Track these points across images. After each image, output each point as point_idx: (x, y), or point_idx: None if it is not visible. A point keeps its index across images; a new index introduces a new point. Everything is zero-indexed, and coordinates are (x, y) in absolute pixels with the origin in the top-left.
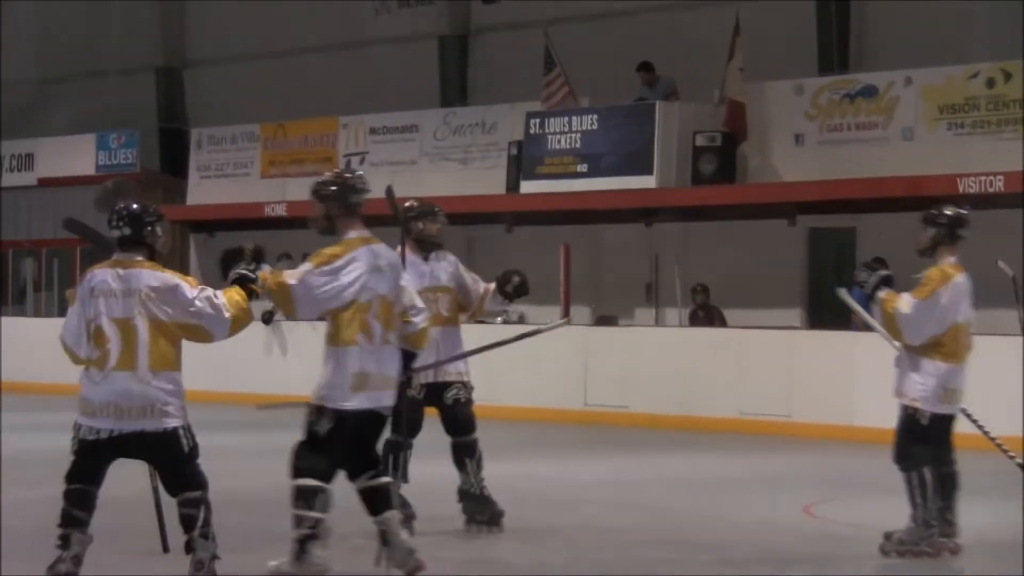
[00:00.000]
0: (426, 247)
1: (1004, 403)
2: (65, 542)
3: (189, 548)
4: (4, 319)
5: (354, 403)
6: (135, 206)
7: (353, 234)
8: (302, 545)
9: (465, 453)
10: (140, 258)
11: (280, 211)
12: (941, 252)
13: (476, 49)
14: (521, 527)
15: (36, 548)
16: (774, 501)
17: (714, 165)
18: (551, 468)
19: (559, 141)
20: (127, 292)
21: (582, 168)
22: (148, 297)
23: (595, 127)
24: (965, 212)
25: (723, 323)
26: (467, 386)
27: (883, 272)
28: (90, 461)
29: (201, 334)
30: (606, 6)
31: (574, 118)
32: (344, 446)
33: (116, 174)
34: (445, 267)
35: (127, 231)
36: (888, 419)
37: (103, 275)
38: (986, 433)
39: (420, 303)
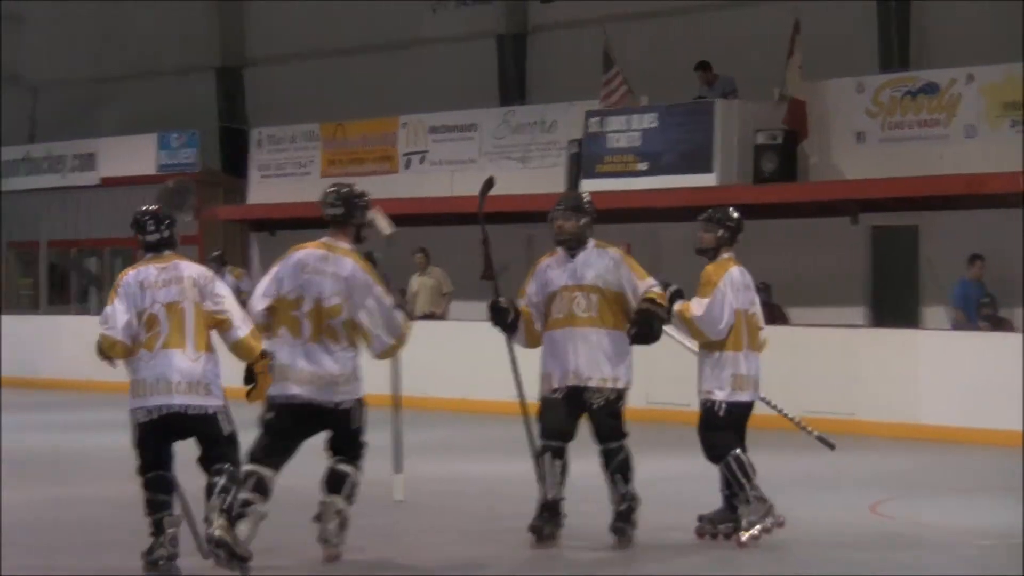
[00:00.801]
0: (564, 244)
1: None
2: (158, 527)
3: (207, 519)
4: (67, 317)
5: (277, 391)
6: (162, 211)
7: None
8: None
9: (603, 462)
10: (171, 253)
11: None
12: (722, 252)
13: (534, 48)
14: (582, 525)
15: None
16: (838, 500)
17: (775, 163)
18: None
19: (618, 140)
20: (175, 280)
21: (642, 166)
22: (194, 283)
23: (655, 125)
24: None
25: (785, 321)
26: (603, 391)
27: (673, 287)
28: (151, 446)
29: (226, 325)
30: (665, 4)
31: (633, 116)
32: (287, 432)
33: (177, 174)
34: (595, 265)
35: (166, 234)
36: (954, 417)
37: (147, 271)
38: (782, 413)
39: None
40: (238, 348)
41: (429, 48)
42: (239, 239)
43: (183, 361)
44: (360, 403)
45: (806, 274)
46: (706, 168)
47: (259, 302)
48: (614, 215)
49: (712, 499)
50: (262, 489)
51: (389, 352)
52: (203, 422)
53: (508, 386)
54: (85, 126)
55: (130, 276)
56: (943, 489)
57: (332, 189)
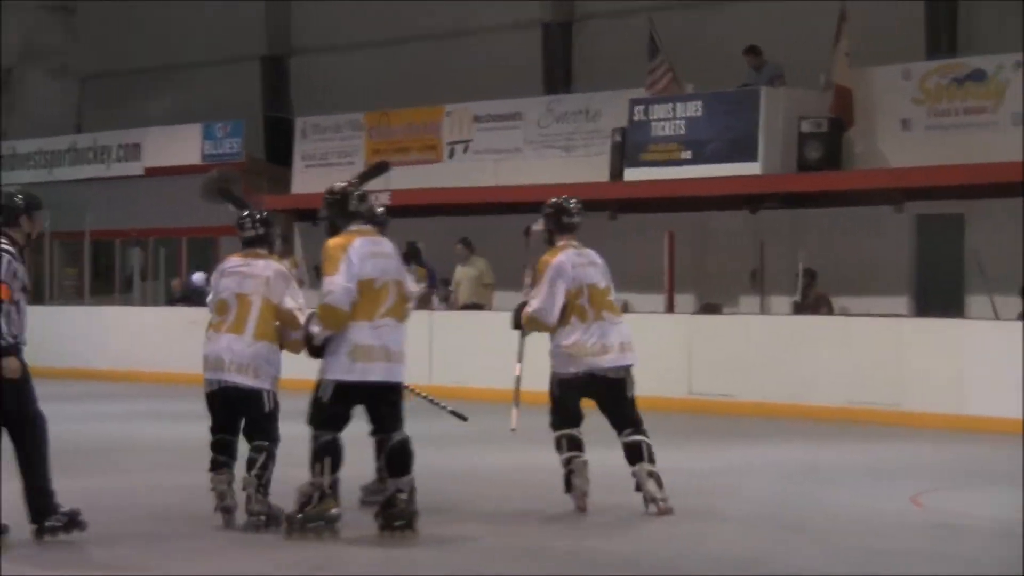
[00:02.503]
0: None
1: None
2: (216, 483)
3: (246, 491)
4: (111, 308)
5: (577, 368)
6: (265, 214)
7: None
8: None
9: None
10: (263, 252)
11: (384, 200)
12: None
13: (580, 36)
14: (623, 516)
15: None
16: (882, 491)
17: (820, 151)
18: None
19: (663, 128)
20: (252, 275)
21: (686, 155)
22: (268, 281)
23: (700, 113)
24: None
25: (829, 311)
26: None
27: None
28: (215, 413)
29: (294, 323)
30: None
31: (678, 104)
32: (577, 400)
33: (222, 164)
34: None
35: (261, 231)
36: (999, 408)
37: (235, 261)
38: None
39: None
40: (290, 347)
41: (474, 37)
42: (283, 229)
43: (238, 344)
44: (630, 370)
45: (851, 263)
46: (751, 156)
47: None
48: (658, 204)
49: (755, 490)
50: (577, 446)
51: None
52: (249, 398)
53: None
54: (130, 116)
55: (220, 265)
56: (986, 480)
57: (577, 204)
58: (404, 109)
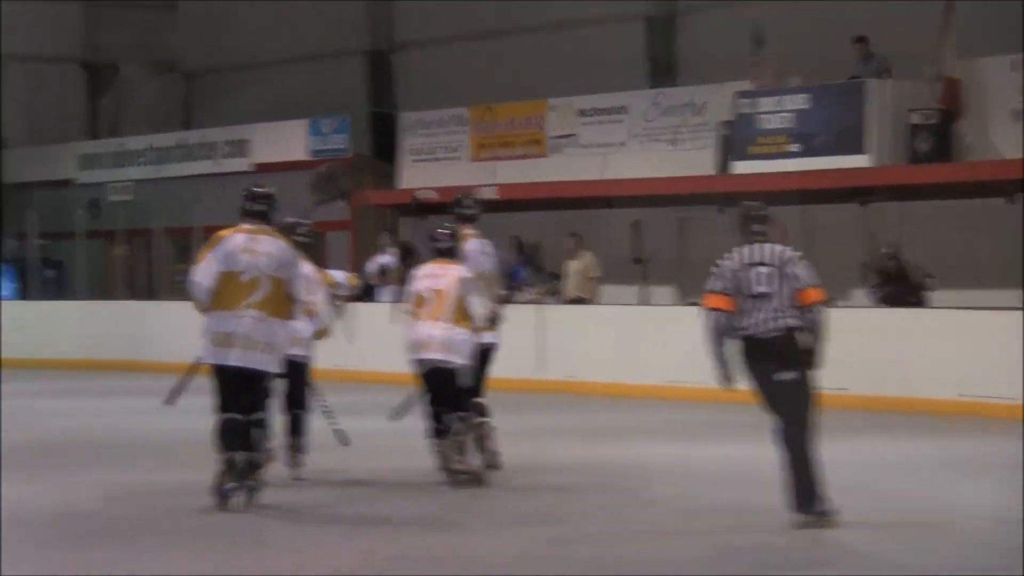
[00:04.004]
0: None
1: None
2: (443, 447)
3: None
4: None
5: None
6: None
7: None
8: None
9: None
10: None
11: (491, 194)
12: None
13: (684, 29)
14: (747, 508)
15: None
16: (998, 487)
17: (930, 143)
18: (773, 450)
19: (770, 121)
20: (444, 275)
21: (794, 148)
22: (458, 281)
23: (807, 106)
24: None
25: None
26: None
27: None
28: (431, 387)
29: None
30: None
31: (785, 97)
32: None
33: (329, 159)
34: None
35: (450, 244)
36: None
37: (430, 268)
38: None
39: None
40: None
41: (578, 30)
42: (389, 225)
43: (439, 330)
44: None
45: (963, 255)
46: (859, 149)
47: None
48: (766, 197)
49: (866, 482)
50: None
51: None
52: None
53: (658, 370)
54: (237, 112)
55: (417, 269)
56: None
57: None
58: (508, 103)
